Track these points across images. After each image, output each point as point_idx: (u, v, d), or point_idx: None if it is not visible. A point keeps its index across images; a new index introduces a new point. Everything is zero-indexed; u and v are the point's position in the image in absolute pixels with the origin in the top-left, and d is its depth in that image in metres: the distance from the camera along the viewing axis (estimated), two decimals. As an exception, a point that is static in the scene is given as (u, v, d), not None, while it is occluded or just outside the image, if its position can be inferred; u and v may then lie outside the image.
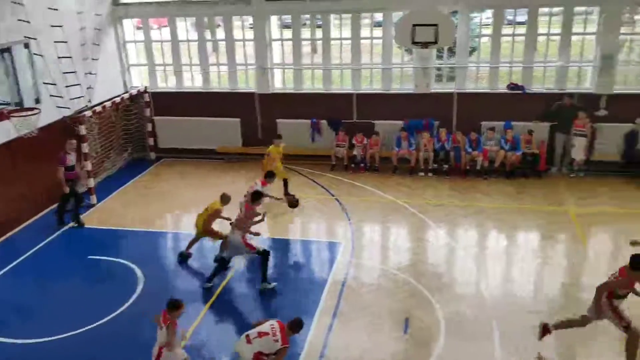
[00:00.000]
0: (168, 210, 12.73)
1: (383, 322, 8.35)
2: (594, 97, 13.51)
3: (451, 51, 14.70)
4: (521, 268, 9.93)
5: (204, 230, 10.13)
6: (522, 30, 14.29)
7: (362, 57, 15.15)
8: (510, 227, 11.29)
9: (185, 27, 16.15)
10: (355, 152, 14.49)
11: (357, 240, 10.89)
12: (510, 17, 15.10)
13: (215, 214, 10.01)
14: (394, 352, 7.69)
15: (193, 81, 16.32)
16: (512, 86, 14.19)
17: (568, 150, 13.53)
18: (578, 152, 13.37)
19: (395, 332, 8.08)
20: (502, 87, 14.36)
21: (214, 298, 9.11)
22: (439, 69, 15.43)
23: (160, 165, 15.75)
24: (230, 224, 9.55)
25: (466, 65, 14.61)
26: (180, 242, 11.01)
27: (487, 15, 14.79)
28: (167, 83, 16.52)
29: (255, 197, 9.40)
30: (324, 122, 15.03)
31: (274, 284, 9.28)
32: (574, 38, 13.97)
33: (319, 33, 15.30)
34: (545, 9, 14.31)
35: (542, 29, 14.15)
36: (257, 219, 9.33)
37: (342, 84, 15.63)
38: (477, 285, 9.25)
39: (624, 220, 11.10)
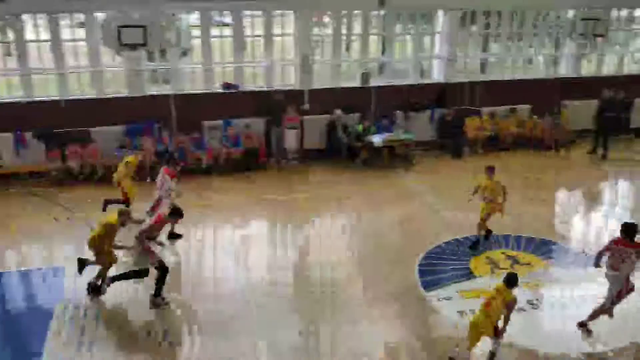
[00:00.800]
0: None
1: (129, 337, 8.02)
2: (298, 93, 15.03)
3: (163, 53, 14.62)
4: (265, 256, 10.42)
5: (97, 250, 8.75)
6: (229, 31, 15.02)
7: (68, 60, 14.01)
8: (246, 218, 11.85)
9: None
10: (71, 164, 13.40)
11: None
12: (218, 19, 15.72)
13: (112, 230, 8.67)
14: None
15: None
16: (226, 85, 14.85)
17: (282, 142, 14.78)
18: (291, 143, 14.75)
19: (145, 342, 7.85)
20: (217, 87, 14.91)
21: None
22: (154, 70, 15.22)
23: None
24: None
25: (178, 66, 14.73)
26: None
27: (196, 17, 15.10)
28: None
29: (176, 212, 8.84)
30: (29, 134, 13.47)
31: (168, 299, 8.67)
32: (276, 39, 15.25)
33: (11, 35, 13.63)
34: (248, 11, 15.28)
35: (247, 31, 15.10)
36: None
37: (47, 91, 14.20)
38: (228, 281, 9.46)
39: (337, 204, 12.66)
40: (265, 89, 15.16)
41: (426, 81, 16.47)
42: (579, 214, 12.62)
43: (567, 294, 9.20)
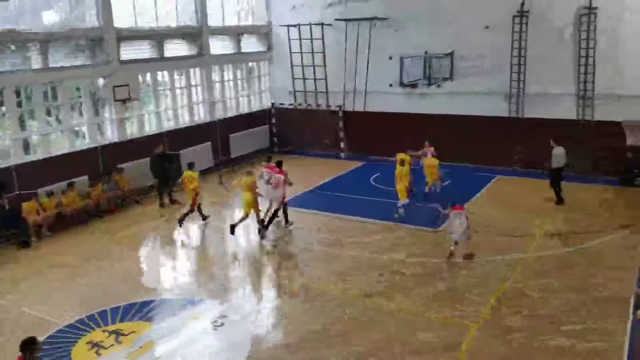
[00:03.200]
0: None
1: None
2: None
3: None
4: None
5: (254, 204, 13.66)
6: None
7: None
8: None
9: None
10: None
11: None
12: None
13: (253, 185, 13.66)
14: None
15: None
16: None
17: None
18: None
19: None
20: None
21: None
22: None
23: None
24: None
25: None
26: None
27: None
28: None
29: (280, 163, 14.49)
30: None
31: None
32: None
33: None
34: None
35: None
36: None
37: None
38: None
39: None
40: None
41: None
42: (167, 263, 13.09)
43: (177, 341, 9.40)
